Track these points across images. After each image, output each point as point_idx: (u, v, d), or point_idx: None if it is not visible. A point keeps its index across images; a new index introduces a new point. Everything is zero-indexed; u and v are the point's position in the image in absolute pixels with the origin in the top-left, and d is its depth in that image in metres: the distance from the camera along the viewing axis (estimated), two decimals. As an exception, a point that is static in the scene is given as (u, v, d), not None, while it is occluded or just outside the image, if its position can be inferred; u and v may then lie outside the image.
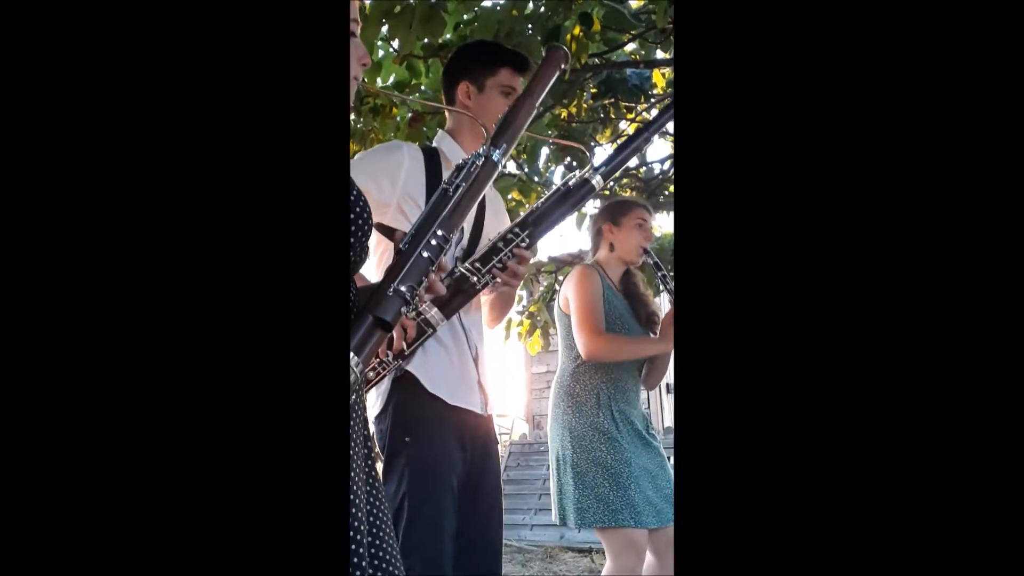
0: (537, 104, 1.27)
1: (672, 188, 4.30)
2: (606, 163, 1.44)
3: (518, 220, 1.44)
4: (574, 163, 3.15)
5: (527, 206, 3.69)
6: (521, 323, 4.37)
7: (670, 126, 1.60)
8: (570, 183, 1.43)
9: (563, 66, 1.31)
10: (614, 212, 2.20)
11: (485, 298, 1.59)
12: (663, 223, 4.64)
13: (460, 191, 1.16)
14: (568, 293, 2.14)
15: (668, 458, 2.17)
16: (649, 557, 2.11)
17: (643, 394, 2.24)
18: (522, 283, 1.57)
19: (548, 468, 6.16)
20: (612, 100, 3.07)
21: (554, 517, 2.14)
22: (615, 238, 2.18)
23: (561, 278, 4.16)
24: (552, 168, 3.31)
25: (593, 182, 1.40)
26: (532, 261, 2.02)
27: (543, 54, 1.86)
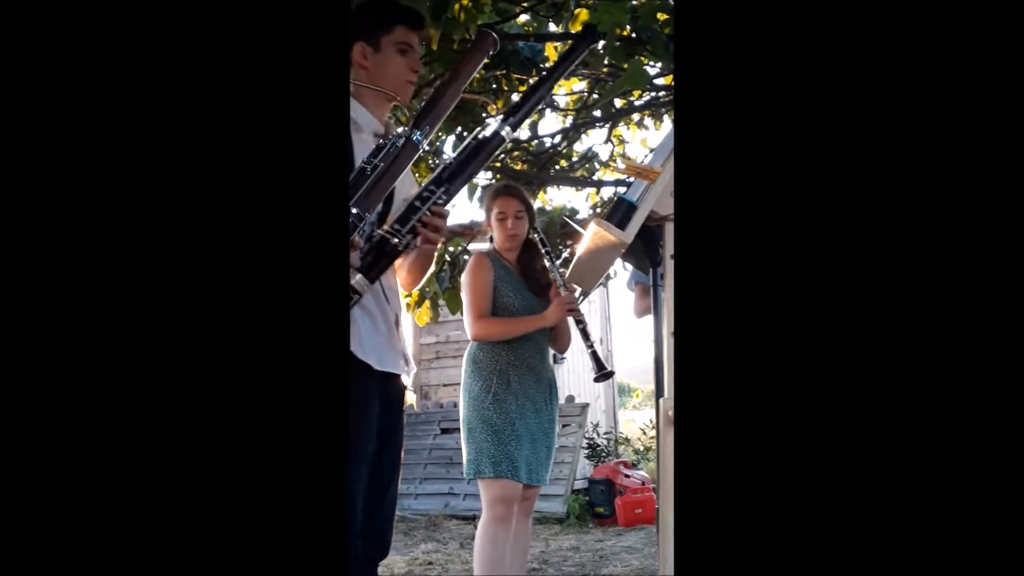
0: (463, 89, 1.28)
1: (564, 163, 4.35)
2: (513, 112, 1.46)
3: (432, 177, 1.45)
4: (465, 133, 3.13)
5: (417, 175, 3.64)
6: (410, 294, 4.33)
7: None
8: (480, 136, 1.44)
9: (491, 52, 1.32)
10: (485, 206, 2.49)
11: (401, 261, 1.61)
12: (554, 197, 4.70)
13: (378, 171, 1.17)
14: (462, 281, 2.44)
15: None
16: None
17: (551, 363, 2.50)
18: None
19: (434, 438, 6.16)
20: (504, 72, 3.06)
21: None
22: (491, 230, 2.48)
23: (452, 248, 4.14)
24: (443, 138, 3.27)
25: (503, 133, 1.43)
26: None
27: (429, 14, 1.82)
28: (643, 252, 1.43)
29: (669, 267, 1.21)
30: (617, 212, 1.12)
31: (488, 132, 1.44)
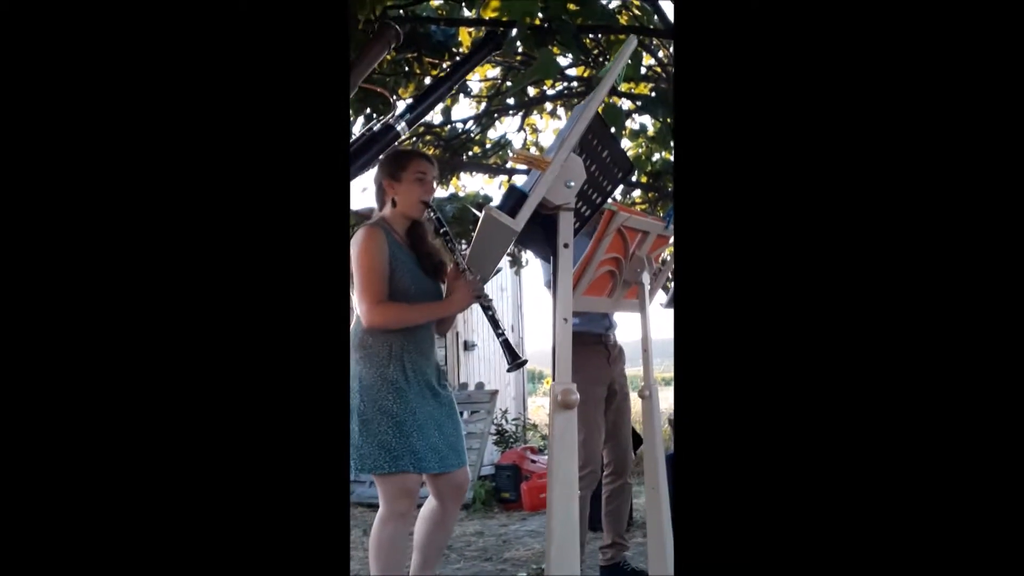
0: (361, 80, 1.27)
1: (477, 149, 4.35)
2: (410, 109, 1.45)
3: None
4: (374, 115, 3.08)
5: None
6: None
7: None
8: (375, 129, 1.42)
9: (392, 45, 1.31)
10: (393, 167, 2.12)
11: None
12: (467, 183, 4.69)
13: None
14: (352, 256, 2.10)
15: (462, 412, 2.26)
16: (432, 502, 2.23)
17: (440, 348, 2.29)
18: None
19: (342, 424, 6.06)
20: (415, 55, 3.02)
21: None
22: (396, 193, 2.14)
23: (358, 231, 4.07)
24: (352, 120, 3.21)
25: (398, 128, 1.41)
26: None
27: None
28: (544, 240, 1.46)
29: (563, 256, 1.23)
30: (509, 200, 1.13)
31: (382, 126, 1.43)
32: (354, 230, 4.05)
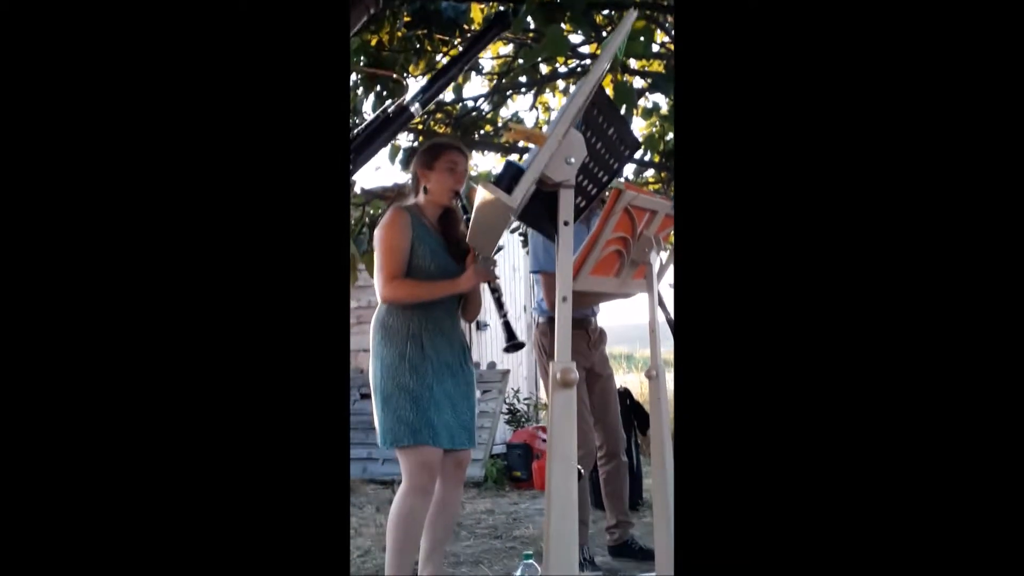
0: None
1: (488, 127, 4.32)
2: (423, 91, 1.47)
3: None
4: (384, 92, 3.07)
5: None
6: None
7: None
8: (389, 111, 1.43)
9: (372, 10, 1.31)
10: (427, 157, 2.34)
11: None
12: (479, 162, 4.67)
13: None
14: (375, 236, 2.30)
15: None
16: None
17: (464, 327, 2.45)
18: None
19: (354, 403, 6.11)
20: (426, 31, 3.00)
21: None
22: (428, 181, 2.33)
23: (371, 211, 4.08)
24: (361, 98, 3.20)
25: (412, 110, 1.42)
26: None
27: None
28: (547, 218, 1.44)
29: (563, 234, 1.22)
30: (505, 176, 1.12)
31: (396, 107, 1.44)
32: (364, 209, 4.06)
